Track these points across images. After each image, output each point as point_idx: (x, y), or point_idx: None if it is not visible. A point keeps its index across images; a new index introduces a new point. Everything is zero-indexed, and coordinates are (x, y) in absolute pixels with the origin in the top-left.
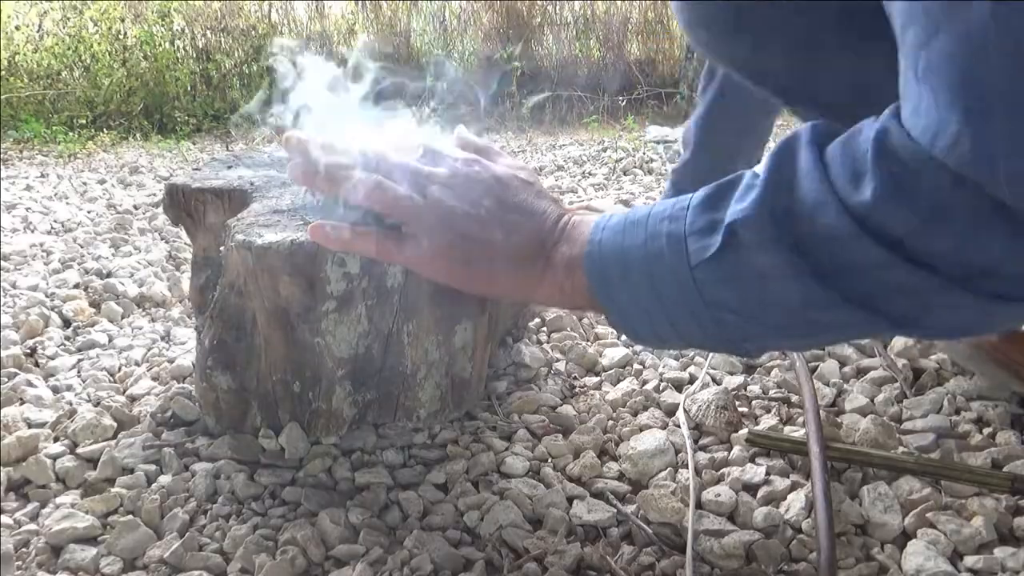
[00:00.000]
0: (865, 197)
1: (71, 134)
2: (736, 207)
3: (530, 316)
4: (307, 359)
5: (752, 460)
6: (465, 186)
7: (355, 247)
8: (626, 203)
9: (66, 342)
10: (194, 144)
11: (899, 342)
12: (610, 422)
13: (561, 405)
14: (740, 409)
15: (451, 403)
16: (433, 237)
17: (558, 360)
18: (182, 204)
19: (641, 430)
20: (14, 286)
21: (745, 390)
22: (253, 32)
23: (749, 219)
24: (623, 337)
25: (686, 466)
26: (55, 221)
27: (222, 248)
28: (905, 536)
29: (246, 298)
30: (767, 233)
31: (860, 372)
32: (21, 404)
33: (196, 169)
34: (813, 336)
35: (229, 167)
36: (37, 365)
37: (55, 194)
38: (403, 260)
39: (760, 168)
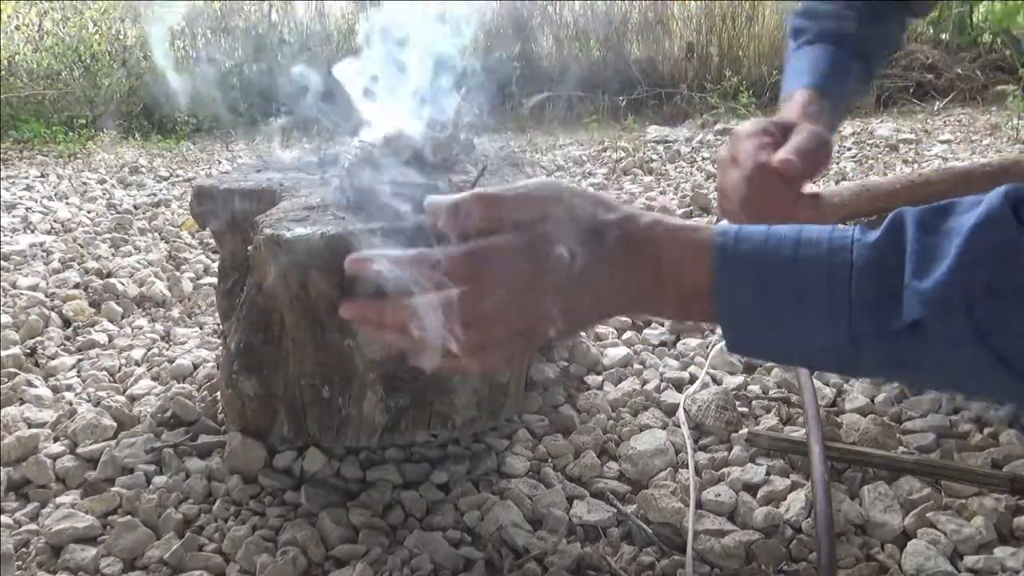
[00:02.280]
0: None
1: (71, 134)
2: (921, 284)
3: None
4: (337, 362)
5: (752, 460)
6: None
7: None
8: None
9: (66, 342)
10: (194, 144)
11: None
12: (610, 422)
13: (562, 405)
14: (740, 409)
15: (488, 411)
16: (498, 352)
17: (560, 360)
18: (209, 206)
19: (641, 430)
20: (14, 286)
21: (745, 390)
22: (253, 32)
23: (940, 308)
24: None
25: (686, 466)
26: (55, 221)
27: (250, 247)
28: (905, 536)
29: (274, 298)
30: (960, 330)
31: None
32: (21, 404)
33: (224, 172)
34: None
35: (258, 171)
36: (37, 365)
37: (55, 194)
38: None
39: (919, 219)
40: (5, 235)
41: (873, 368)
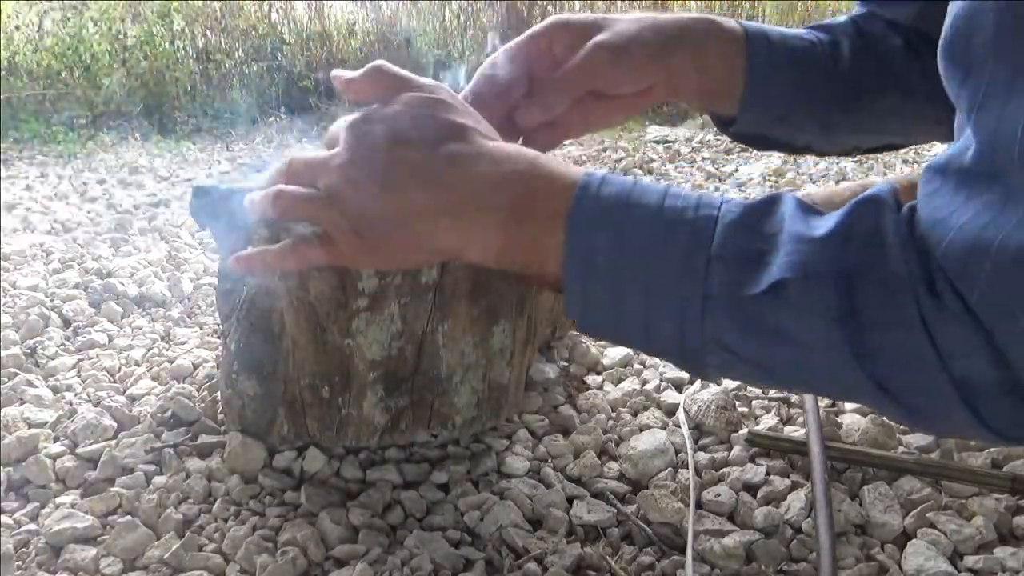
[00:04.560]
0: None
1: (71, 134)
2: (787, 257)
3: (570, 324)
4: (337, 362)
5: (752, 460)
6: (365, 156)
7: (280, 264)
8: None
9: (66, 342)
10: (194, 144)
11: None
12: (610, 422)
13: (561, 405)
14: (740, 409)
15: (488, 411)
16: (343, 227)
17: (560, 360)
18: (210, 206)
19: (641, 430)
20: (14, 286)
21: (745, 390)
22: (253, 32)
23: (809, 277)
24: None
25: (686, 466)
26: (55, 221)
27: (250, 247)
28: (905, 536)
29: (273, 298)
30: (822, 301)
31: None
32: (21, 404)
33: (225, 172)
34: (805, 389)
35: (258, 171)
36: (37, 365)
37: (55, 194)
38: (330, 260)
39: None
40: (5, 235)
41: (715, 339)
